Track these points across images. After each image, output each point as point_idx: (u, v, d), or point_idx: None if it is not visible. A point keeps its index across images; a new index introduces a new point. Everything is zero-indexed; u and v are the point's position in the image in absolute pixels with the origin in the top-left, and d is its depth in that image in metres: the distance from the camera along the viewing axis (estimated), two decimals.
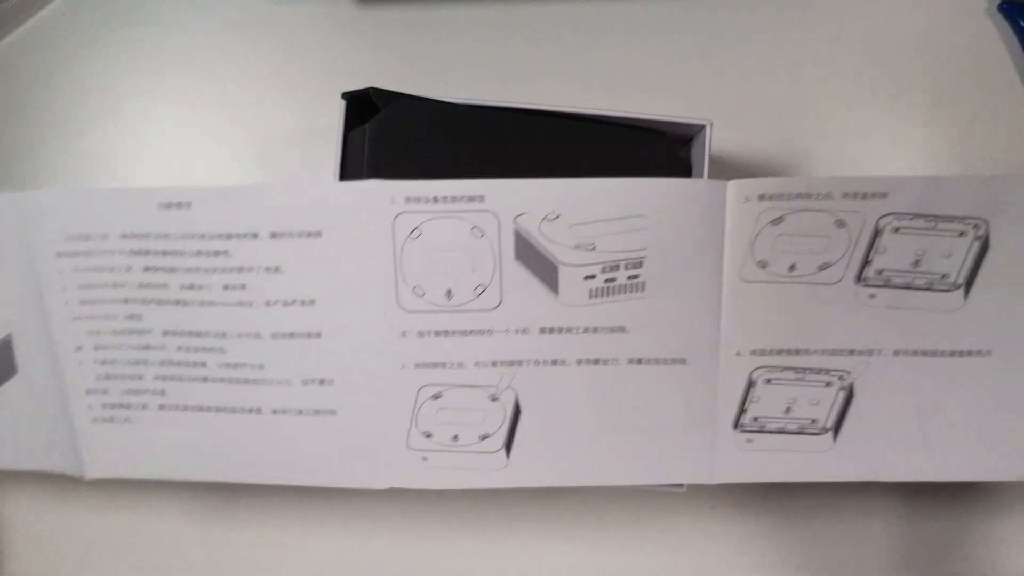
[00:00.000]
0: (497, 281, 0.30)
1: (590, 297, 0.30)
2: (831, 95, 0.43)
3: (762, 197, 0.29)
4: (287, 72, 0.42)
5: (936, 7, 0.44)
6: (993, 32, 0.44)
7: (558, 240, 0.30)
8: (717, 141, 0.36)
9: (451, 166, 0.34)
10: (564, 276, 0.30)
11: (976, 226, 0.31)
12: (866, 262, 0.31)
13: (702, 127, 0.35)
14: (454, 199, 0.29)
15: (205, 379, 0.32)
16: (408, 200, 0.30)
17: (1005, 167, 0.43)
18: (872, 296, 0.31)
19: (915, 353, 0.32)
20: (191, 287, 0.31)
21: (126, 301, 0.31)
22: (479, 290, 0.30)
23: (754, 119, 0.43)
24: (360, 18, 0.43)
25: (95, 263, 0.31)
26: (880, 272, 0.31)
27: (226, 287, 0.31)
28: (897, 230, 0.30)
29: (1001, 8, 0.43)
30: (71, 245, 0.31)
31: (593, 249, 0.30)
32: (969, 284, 0.32)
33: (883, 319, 0.31)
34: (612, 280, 0.30)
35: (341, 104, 0.34)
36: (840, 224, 0.30)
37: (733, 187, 0.30)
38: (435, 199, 0.30)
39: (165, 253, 0.31)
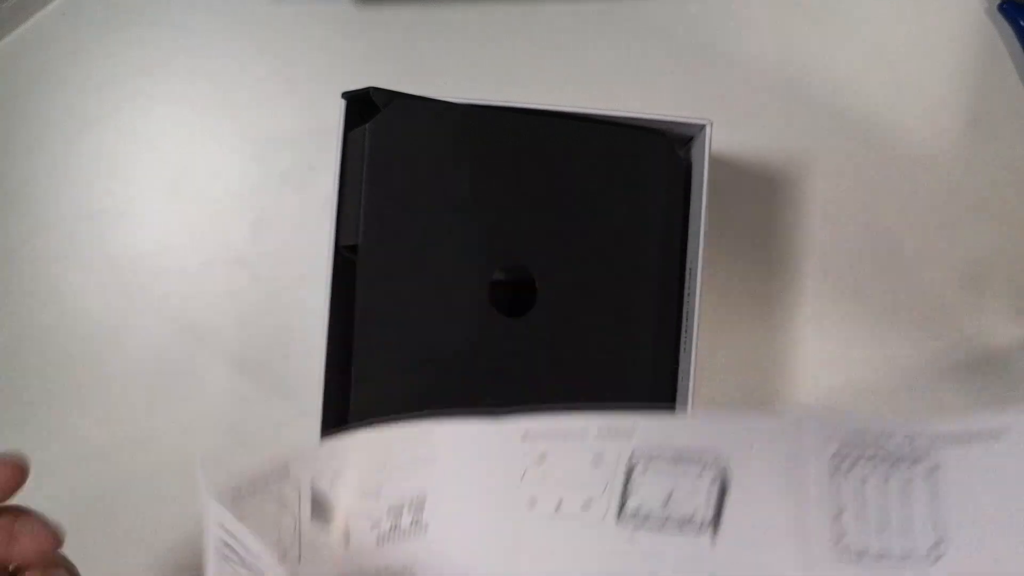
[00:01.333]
0: (297, 543, 0.30)
1: (378, 544, 0.30)
2: (831, 95, 0.43)
3: (524, 437, 0.30)
4: (287, 72, 0.42)
5: (936, 7, 0.44)
6: (993, 32, 0.44)
7: (344, 493, 0.30)
8: (717, 141, 0.36)
9: (451, 166, 0.34)
10: (353, 526, 0.30)
11: (716, 464, 0.31)
12: (624, 500, 0.31)
13: (702, 127, 0.35)
14: (265, 479, 0.29)
15: None
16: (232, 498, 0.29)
17: (1006, 167, 0.43)
18: (630, 540, 0.31)
19: None
20: None
21: None
22: (281, 555, 0.30)
23: (754, 119, 0.43)
24: (360, 18, 0.43)
25: None
26: (637, 511, 0.31)
27: None
28: (646, 470, 0.31)
29: (1001, 8, 0.43)
30: None
31: (378, 497, 0.30)
32: (716, 525, 0.31)
33: (645, 564, 0.31)
34: (396, 527, 0.31)
35: (341, 104, 0.34)
36: (597, 462, 0.30)
37: (498, 430, 0.30)
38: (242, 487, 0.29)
39: None
